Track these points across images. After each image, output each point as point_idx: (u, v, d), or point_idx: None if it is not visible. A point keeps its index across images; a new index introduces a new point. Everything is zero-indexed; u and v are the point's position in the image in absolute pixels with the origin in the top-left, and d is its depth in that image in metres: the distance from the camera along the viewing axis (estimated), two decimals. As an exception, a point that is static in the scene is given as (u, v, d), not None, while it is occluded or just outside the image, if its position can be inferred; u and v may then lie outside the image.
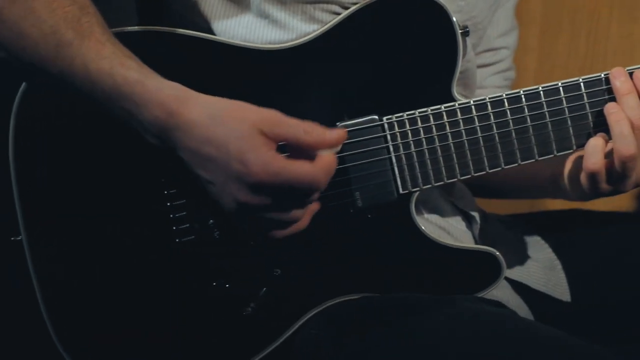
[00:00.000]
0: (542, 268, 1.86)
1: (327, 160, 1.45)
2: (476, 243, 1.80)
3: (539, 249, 1.90)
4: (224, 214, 1.51)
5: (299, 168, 1.44)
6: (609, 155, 1.62)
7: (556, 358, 1.45)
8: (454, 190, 1.82)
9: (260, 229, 1.51)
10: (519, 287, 1.82)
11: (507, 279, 1.81)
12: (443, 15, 1.64)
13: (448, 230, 1.76)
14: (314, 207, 1.52)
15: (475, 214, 1.82)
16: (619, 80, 1.62)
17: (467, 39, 1.75)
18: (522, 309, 1.78)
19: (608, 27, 2.38)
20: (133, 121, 1.47)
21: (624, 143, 1.60)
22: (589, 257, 1.90)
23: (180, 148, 1.47)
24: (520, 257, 1.86)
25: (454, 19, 1.64)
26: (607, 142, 1.63)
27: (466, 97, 1.70)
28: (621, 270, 1.89)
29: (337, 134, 1.46)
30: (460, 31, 1.65)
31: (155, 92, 1.47)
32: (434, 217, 1.76)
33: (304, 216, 1.51)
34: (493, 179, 1.80)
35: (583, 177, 1.64)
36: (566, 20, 2.40)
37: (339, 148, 1.49)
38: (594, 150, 1.61)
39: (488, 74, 1.93)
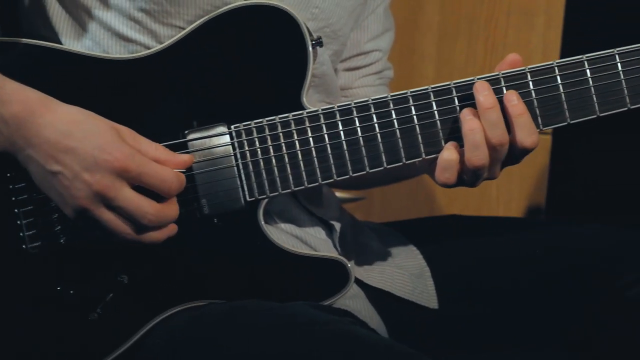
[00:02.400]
0: (409, 276, 1.85)
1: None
2: (338, 252, 1.80)
3: (409, 256, 1.89)
4: (70, 218, 1.55)
5: (159, 166, 1.56)
6: (461, 161, 1.62)
7: None
8: (315, 200, 1.82)
9: (113, 227, 1.55)
10: (382, 295, 1.82)
11: (369, 287, 1.81)
12: (293, 24, 1.65)
13: (304, 239, 1.76)
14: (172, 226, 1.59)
15: (335, 223, 1.81)
16: (482, 95, 1.62)
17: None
18: (374, 318, 1.77)
19: (505, 34, 2.39)
20: None
21: (476, 153, 1.60)
22: (460, 264, 1.90)
23: (35, 144, 1.52)
24: (386, 265, 1.86)
25: (304, 28, 1.64)
26: (459, 152, 1.63)
27: (329, 103, 1.70)
28: (491, 278, 1.89)
29: (185, 157, 1.59)
30: (313, 41, 1.66)
31: (17, 92, 1.54)
32: (290, 227, 1.76)
33: (161, 227, 1.57)
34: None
35: (436, 180, 1.65)
36: (463, 27, 2.40)
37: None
38: (448, 165, 1.62)
39: (359, 76, 1.94)
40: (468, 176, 1.63)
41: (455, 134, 1.64)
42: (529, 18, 2.37)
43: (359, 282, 1.80)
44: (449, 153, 1.62)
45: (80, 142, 1.53)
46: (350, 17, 1.85)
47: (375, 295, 1.82)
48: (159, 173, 1.56)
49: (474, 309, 1.87)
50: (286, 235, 1.74)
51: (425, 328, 1.85)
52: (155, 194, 1.57)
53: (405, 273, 1.86)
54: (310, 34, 1.66)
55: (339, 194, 2.45)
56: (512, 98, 1.62)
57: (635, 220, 2.47)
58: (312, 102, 1.75)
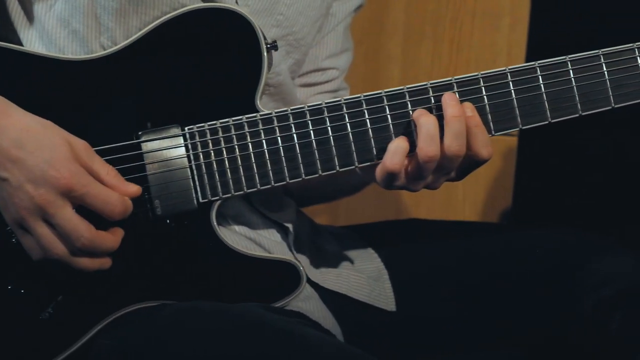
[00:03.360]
0: (367, 278, 1.86)
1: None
2: (293, 255, 1.80)
3: (367, 259, 1.91)
4: (8, 223, 1.56)
5: (104, 188, 1.57)
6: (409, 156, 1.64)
7: None
8: (270, 203, 1.83)
9: (45, 242, 1.55)
10: (339, 297, 1.83)
11: (325, 289, 1.82)
12: (248, 28, 1.65)
13: (258, 241, 1.77)
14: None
15: (290, 226, 1.82)
16: (450, 105, 1.62)
17: (279, 53, 1.77)
18: (328, 320, 1.78)
19: (470, 36, 2.40)
20: None
21: (429, 143, 1.61)
22: (420, 267, 1.91)
23: None
24: (343, 268, 1.87)
25: (259, 32, 1.65)
26: (409, 142, 1.64)
27: None
28: (449, 281, 1.90)
29: (133, 188, 1.59)
30: (268, 45, 1.67)
31: None
32: (244, 229, 1.77)
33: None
34: (310, 186, 1.83)
35: (379, 172, 1.65)
36: (429, 28, 2.41)
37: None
38: (397, 151, 1.62)
39: (314, 92, 1.94)
40: (414, 172, 1.63)
41: (409, 137, 1.65)
42: (494, 19, 2.38)
43: (315, 284, 1.82)
44: (399, 140, 1.63)
45: (31, 154, 1.54)
46: (313, 27, 1.86)
47: (332, 298, 1.83)
48: (102, 195, 1.56)
49: (432, 311, 1.88)
50: (240, 237, 1.75)
51: (383, 330, 1.86)
52: (102, 222, 1.58)
53: (362, 276, 1.87)
54: (265, 38, 1.67)
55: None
56: (467, 110, 1.63)
57: (600, 223, 2.49)
58: (269, 110, 1.75)
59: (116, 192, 1.57)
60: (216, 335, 1.53)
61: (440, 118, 1.63)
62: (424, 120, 1.62)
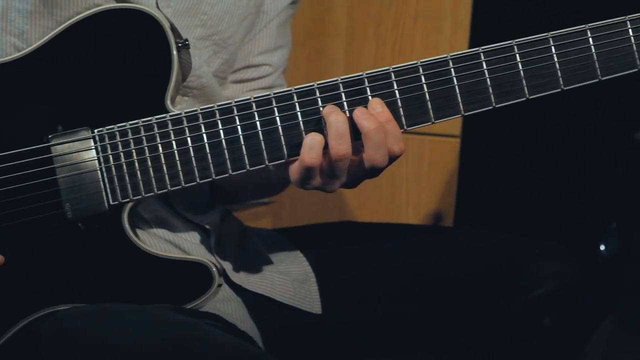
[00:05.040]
0: (292, 281, 1.85)
1: None
2: (214, 257, 1.79)
3: (294, 262, 1.89)
4: None
5: None
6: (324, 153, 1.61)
7: None
8: (191, 205, 1.82)
9: None
10: (263, 300, 1.81)
11: (249, 292, 1.81)
12: (158, 28, 1.64)
13: (178, 244, 1.75)
14: None
15: (211, 228, 1.81)
16: (364, 119, 1.59)
17: (206, 54, 1.76)
18: (245, 322, 1.76)
19: (413, 38, 2.38)
20: None
21: (339, 142, 1.58)
22: (349, 270, 1.90)
23: None
24: (268, 270, 1.85)
25: (169, 32, 1.64)
26: (324, 139, 1.61)
27: None
28: (379, 284, 1.88)
29: None
30: (179, 44, 1.66)
31: None
32: (163, 232, 1.76)
33: None
34: (230, 185, 1.84)
35: (296, 168, 1.62)
36: (371, 31, 2.40)
37: None
38: (313, 144, 1.59)
39: (247, 89, 1.92)
40: (328, 171, 1.61)
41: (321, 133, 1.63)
42: (435, 21, 2.36)
43: (238, 287, 1.80)
44: (313, 135, 1.60)
45: None
46: (240, 26, 1.84)
47: (256, 300, 1.82)
48: None
49: (359, 314, 1.86)
50: (158, 240, 1.74)
51: (308, 333, 1.85)
52: None
53: (288, 278, 1.85)
54: (179, 37, 1.66)
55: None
56: (376, 106, 1.61)
57: (541, 224, 2.49)
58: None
59: None
60: (121, 336, 1.52)
61: (353, 112, 1.61)
62: (333, 119, 1.59)
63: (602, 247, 2.54)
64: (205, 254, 1.78)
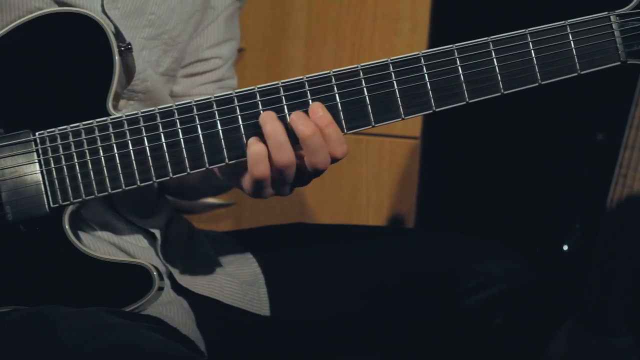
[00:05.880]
0: (240, 283, 1.85)
1: None
2: (160, 260, 1.79)
3: (243, 264, 1.89)
4: None
5: None
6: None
7: None
8: (136, 208, 1.82)
9: None
10: (210, 302, 1.81)
11: (196, 294, 1.81)
12: (100, 31, 1.65)
13: (123, 247, 1.76)
14: None
15: (156, 231, 1.81)
16: (300, 124, 1.59)
17: (155, 53, 1.76)
18: (188, 325, 1.76)
19: (371, 40, 2.40)
20: None
21: (280, 152, 1.58)
22: (299, 272, 1.90)
23: None
24: (216, 273, 1.85)
25: (111, 35, 1.64)
26: (265, 145, 1.60)
27: None
28: (329, 286, 1.89)
29: None
30: (122, 47, 1.66)
31: None
32: (108, 235, 1.76)
33: None
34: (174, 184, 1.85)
35: (248, 181, 1.63)
36: (330, 32, 2.41)
37: None
38: (259, 157, 1.59)
39: (198, 83, 1.93)
40: (277, 179, 1.61)
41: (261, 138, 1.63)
42: (394, 23, 2.37)
43: (184, 289, 1.80)
44: (256, 146, 1.60)
45: None
46: (188, 24, 1.85)
47: (203, 303, 1.82)
48: None
49: (308, 315, 1.87)
50: (102, 243, 1.74)
51: (256, 335, 1.85)
52: None
53: (236, 281, 1.85)
54: (122, 41, 1.67)
55: (210, 199, 2.46)
56: (317, 110, 1.61)
57: (500, 224, 2.49)
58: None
59: None
60: (52, 341, 1.52)
61: (290, 117, 1.60)
62: (270, 129, 1.58)
63: (565, 247, 2.55)
64: (152, 257, 1.78)
